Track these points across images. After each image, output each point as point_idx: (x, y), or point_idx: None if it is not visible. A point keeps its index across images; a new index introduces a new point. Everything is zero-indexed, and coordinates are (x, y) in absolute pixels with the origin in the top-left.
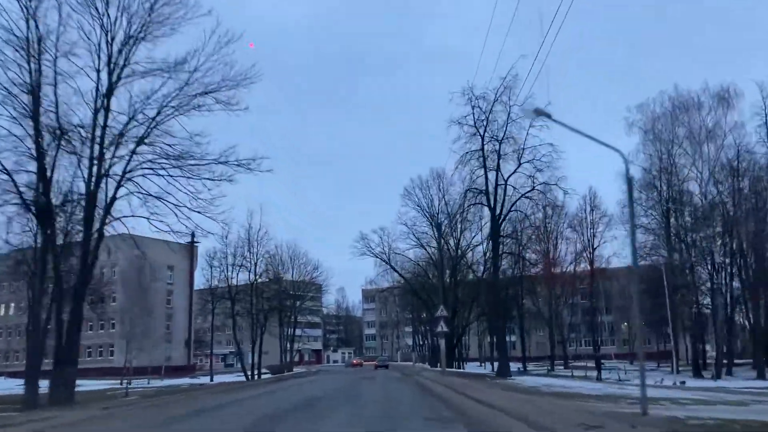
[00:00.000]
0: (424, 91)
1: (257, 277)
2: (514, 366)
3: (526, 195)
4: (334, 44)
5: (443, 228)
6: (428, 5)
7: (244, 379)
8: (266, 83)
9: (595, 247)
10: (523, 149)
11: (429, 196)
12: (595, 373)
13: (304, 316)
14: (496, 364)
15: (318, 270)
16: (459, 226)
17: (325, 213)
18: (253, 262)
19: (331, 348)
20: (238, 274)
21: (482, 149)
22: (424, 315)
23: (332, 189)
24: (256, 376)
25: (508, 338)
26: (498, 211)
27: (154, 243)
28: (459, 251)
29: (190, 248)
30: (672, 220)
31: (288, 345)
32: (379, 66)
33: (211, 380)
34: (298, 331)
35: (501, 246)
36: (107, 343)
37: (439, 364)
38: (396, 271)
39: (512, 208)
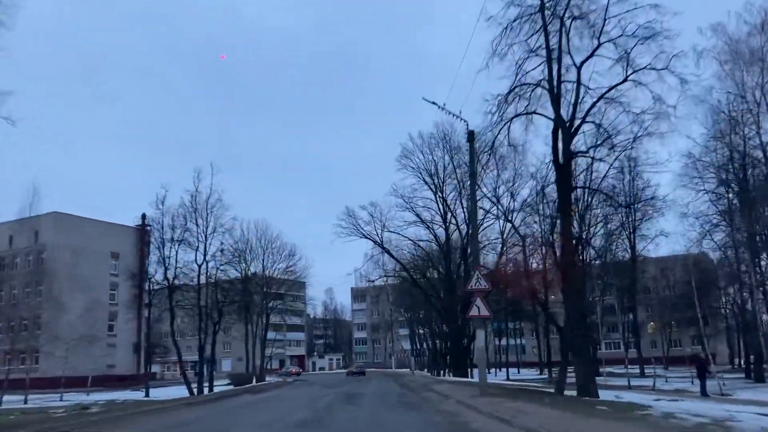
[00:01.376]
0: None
1: (207, 258)
2: (530, 374)
3: (608, 96)
4: (328, 46)
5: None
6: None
7: (190, 393)
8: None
9: (636, 225)
10: (605, 20)
11: (433, 159)
12: (655, 382)
13: (278, 315)
14: (507, 371)
15: (295, 257)
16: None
17: (316, 213)
18: (201, 238)
19: (316, 354)
20: (177, 252)
21: (541, 10)
22: (422, 314)
23: (326, 192)
24: (207, 389)
25: (514, 341)
26: (567, 120)
27: (95, 225)
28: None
29: (141, 232)
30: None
31: (261, 349)
32: (373, 60)
33: (146, 395)
34: (278, 335)
35: (573, 181)
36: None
37: (446, 373)
38: (391, 255)
39: (587, 117)
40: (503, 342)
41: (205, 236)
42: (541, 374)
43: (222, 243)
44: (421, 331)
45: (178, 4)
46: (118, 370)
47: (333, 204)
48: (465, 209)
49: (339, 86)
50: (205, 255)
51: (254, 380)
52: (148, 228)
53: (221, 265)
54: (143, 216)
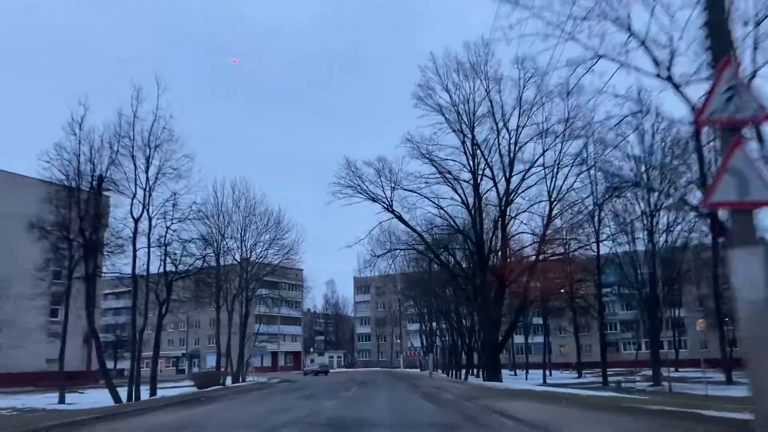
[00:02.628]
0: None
1: (150, 212)
2: (565, 377)
3: None
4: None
5: None
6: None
7: (116, 400)
8: None
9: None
10: None
11: (465, 91)
12: None
13: (262, 303)
14: (544, 373)
15: (283, 225)
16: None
17: (319, 213)
18: (141, 183)
19: (316, 351)
20: (95, 194)
21: None
22: (439, 303)
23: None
24: (148, 393)
25: (545, 339)
26: None
27: (37, 186)
28: (508, 178)
29: (96, 198)
30: None
31: (239, 343)
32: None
33: (61, 401)
34: (271, 328)
35: None
36: None
37: (467, 375)
38: (404, 221)
39: None
40: (533, 340)
41: (146, 179)
42: (579, 377)
43: (175, 194)
44: (434, 325)
45: (179, 3)
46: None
47: (336, 203)
48: (505, 156)
49: (341, 86)
50: (145, 205)
51: (229, 380)
52: (108, 191)
53: (172, 222)
54: (99, 178)
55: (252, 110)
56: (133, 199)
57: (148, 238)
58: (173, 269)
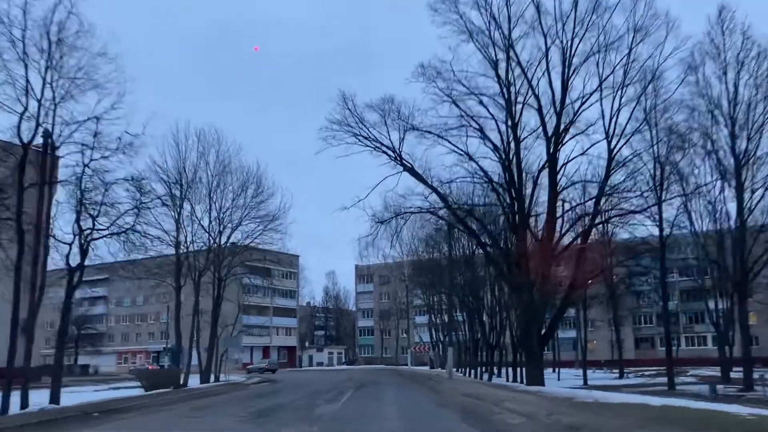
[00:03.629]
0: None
1: (49, 130)
2: (601, 376)
3: None
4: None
5: None
6: None
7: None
8: None
9: None
10: None
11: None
12: None
13: (252, 293)
14: (585, 373)
15: (264, 186)
16: None
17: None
18: (34, 92)
19: (315, 346)
20: None
21: None
22: (454, 289)
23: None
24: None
25: (579, 335)
26: None
27: None
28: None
29: (43, 157)
30: None
31: (210, 335)
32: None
33: None
34: (261, 320)
35: None
36: None
37: (490, 375)
38: (416, 174)
39: None
40: (565, 334)
41: (43, 86)
42: (621, 377)
43: (97, 118)
44: (453, 314)
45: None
46: None
47: (342, 198)
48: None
49: (349, 82)
50: (40, 123)
51: (195, 380)
52: (57, 154)
53: (92, 159)
54: (45, 133)
55: (254, 108)
56: (21, 117)
57: (49, 177)
58: (91, 224)
